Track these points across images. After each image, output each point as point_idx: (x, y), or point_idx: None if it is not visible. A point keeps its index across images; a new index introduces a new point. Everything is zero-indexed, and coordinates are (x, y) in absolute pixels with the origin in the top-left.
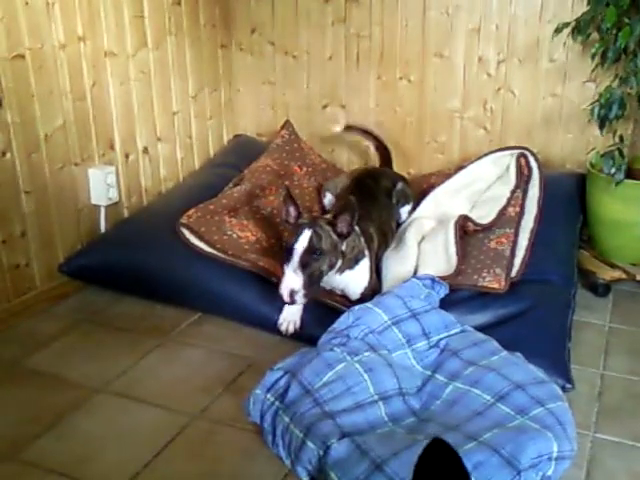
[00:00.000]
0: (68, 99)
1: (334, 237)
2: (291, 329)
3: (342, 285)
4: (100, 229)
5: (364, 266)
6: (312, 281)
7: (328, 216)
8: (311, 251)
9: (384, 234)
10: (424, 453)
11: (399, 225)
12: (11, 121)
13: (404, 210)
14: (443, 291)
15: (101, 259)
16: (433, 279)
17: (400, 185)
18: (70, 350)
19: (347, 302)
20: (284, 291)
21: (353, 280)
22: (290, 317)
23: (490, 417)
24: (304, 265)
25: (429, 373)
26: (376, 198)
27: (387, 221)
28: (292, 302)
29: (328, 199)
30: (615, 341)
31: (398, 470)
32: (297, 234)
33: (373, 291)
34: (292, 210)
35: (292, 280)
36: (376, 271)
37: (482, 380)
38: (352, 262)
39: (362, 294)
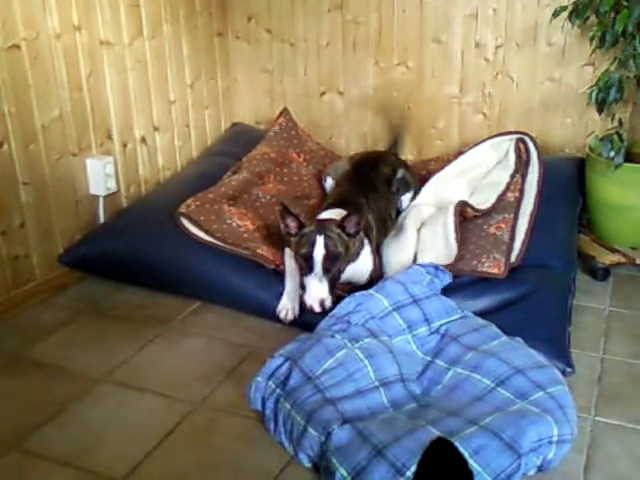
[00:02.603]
0: (64, 89)
1: (345, 237)
2: (290, 316)
3: (347, 277)
4: (99, 219)
5: (366, 255)
6: (334, 284)
7: (328, 215)
8: (330, 257)
9: (383, 221)
10: (427, 452)
11: (400, 213)
12: (8, 112)
13: (405, 198)
14: (446, 279)
15: (100, 249)
16: (437, 267)
17: (401, 172)
18: (71, 340)
19: (346, 287)
20: (314, 302)
21: (357, 270)
22: (289, 304)
23: (490, 402)
24: (326, 271)
25: (429, 359)
26: (375, 186)
27: (386, 209)
28: (323, 310)
29: (329, 184)
30: (615, 325)
31: (399, 455)
32: (310, 243)
33: (378, 274)
34: (291, 222)
35: (320, 289)
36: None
37: (482, 365)
38: (355, 256)
39: (367, 280)
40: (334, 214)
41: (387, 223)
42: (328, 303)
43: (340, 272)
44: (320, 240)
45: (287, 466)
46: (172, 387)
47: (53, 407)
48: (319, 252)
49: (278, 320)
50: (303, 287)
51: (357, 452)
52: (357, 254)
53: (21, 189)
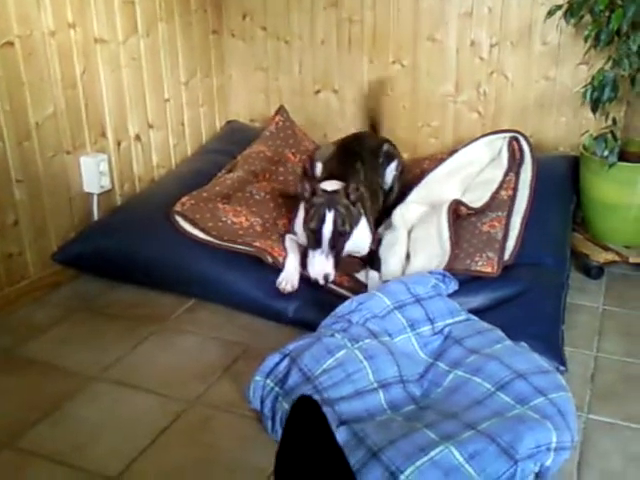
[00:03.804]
0: (59, 86)
1: (352, 209)
2: (289, 287)
3: (347, 249)
4: (93, 217)
5: (363, 224)
6: (338, 259)
7: (328, 186)
8: (338, 233)
9: (374, 192)
10: (292, 411)
11: (388, 197)
12: (1, 109)
13: (390, 169)
14: (452, 286)
15: (94, 247)
16: (444, 274)
17: (386, 146)
18: (65, 338)
19: (345, 282)
20: (319, 276)
21: (356, 241)
22: (289, 277)
23: (490, 406)
24: (333, 247)
25: (431, 360)
26: (363, 158)
27: (376, 180)
28: (326, 284)
29: (318, 168)
30: (608, 323)
31: (394, 458)
32: (320, 217)
33: (376, 245)
34: (307, 185)
35: (325, 264)
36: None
37: (483, 368)
38: (354, 225)
39: (367, 252)
40: (333, 184)
41: (378, 194)
42: (332, 277)
43: (344, 247)
44: (330, 216)
45: None
46: (167, 385)
47: (47, 405)
48: (328, 229)
49: (272, 317)
50: (304, 263)
51: (352, 454)
52: (356, 223)
53: (15, 186)
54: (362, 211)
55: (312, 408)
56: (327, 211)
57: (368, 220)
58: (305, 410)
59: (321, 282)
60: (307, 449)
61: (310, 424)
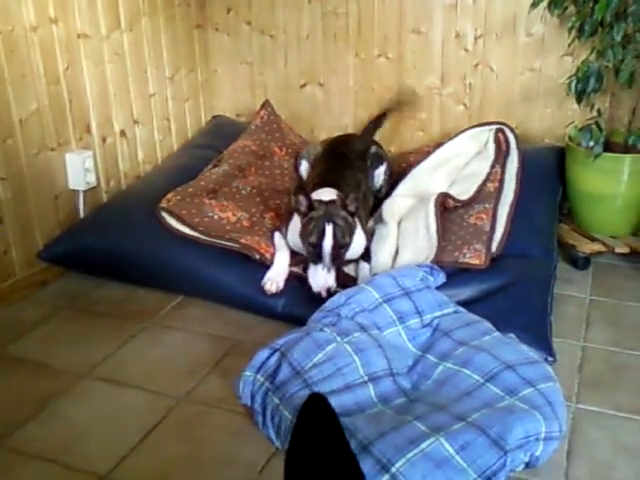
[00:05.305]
0: (42, 82)
1: (350, 220)
2: (274, 289)
3: (346, 256)
4: (79, 214)
5: (359, 233)
6: (339, 271)
7: (322, 195)
8: (338, 246)
9: (364, 196)
10: (303, 409)
11: (376, 196)
12: None
13: (378, 172)
14: (441, 278)
15: (81, 244)
16: (432, 267)
17: (374, 149)
18: (52, 336)
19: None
20: (321, 289)
21: (354, 247)
22: (275, 277)
23: (479, 397)
24: (334, 260)
25: (420, 353)
26: (351, 162)
27: (364, 182)
28: (328, 295)
29: (304, 167)
30: (595, 313)
31: (385, 451)
32: (319, 231)
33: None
34: (303, 200)
35: (327, 278)
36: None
37: (472, 360)
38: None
39: (363, 253)
40: (328, 193)
41: (368, 197)
42: (333, 289)
43: (345, 258)
44: (329, 230)
45: (273, 457)
46: (156, 382)
47: (36, 403)
48: (328, 243)
49: (260, 312)
50: (305, 269)
51: None
52: (353, 233)
53: None
54: (357, 220)
55: (323, 406)
56: (326, 225)
57: (363, 226)
58: (316, 408)
59: (324, 295)
60: (318, 447)
61: (321, 422)
